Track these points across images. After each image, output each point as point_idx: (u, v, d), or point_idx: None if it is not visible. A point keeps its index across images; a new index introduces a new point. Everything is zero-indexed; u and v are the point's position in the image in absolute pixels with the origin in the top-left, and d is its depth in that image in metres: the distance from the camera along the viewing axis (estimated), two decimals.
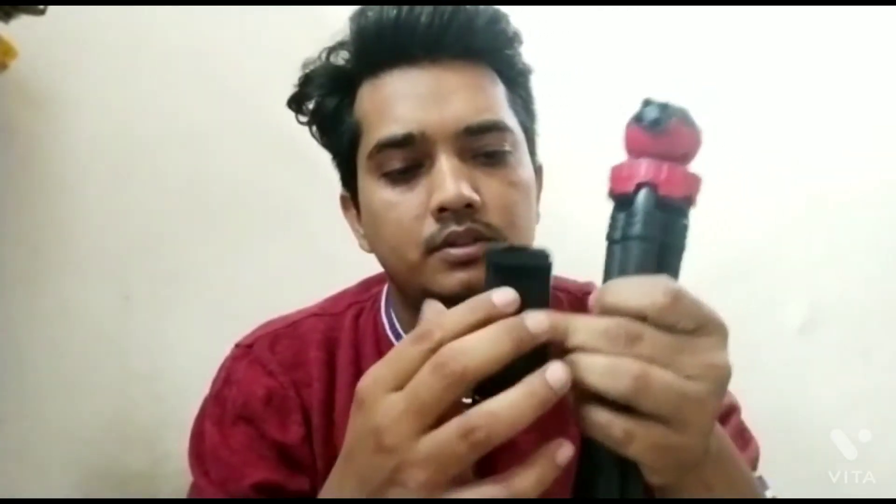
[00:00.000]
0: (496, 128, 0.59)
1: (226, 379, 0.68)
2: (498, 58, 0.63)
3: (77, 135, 1.18)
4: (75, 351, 1.16)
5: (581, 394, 0.38)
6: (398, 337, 0.68)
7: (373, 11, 0.60)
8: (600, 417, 0.37)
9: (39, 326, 1.15)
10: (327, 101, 0.65)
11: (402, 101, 0.59)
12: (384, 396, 0.37)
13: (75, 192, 1.18)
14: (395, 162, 0.58)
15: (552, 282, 0.78)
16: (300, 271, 1.24)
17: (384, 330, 0.69)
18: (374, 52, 0.60)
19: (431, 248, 0.57)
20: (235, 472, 0.62)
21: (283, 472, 0.63)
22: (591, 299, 0.40)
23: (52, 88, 1.16)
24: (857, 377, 1.34)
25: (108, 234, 1.19)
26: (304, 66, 0.67)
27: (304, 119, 0.68)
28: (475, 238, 0.56)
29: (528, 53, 0.67)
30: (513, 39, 0.64)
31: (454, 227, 0.56)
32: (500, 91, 0.62)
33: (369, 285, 0.76)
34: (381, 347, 0.67)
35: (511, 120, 0.62)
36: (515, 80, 0.65)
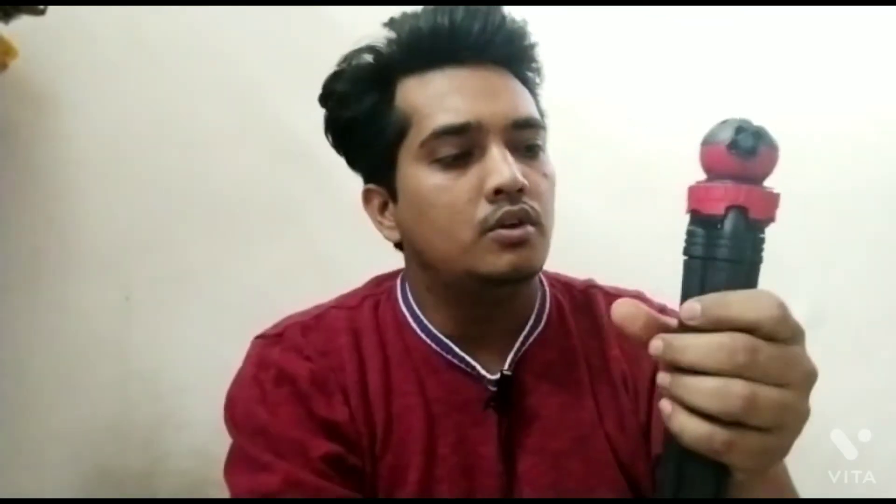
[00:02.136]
0: (536, 124, 0.66)
1: (259, 364, 0.68)
2: (527, 66, 0.70)
3: (77, 135, 1.18)
4: (75, 351, 1.16)
5: (679, 405, 0.39)
6: (420, 324, 0.71)
7: (426, 17, 0.66)
8: (702, 430, 0.38)
9: (39, 326, 1.15)
10: (364, 99, 0.68)
11: (456, 94, 0.64)
12: None
13: (75, 192, 1.18)
14: (450, 148, 0.63)
15: (553, 274, 0.80)
16: (299, 272, 1.24)
17: (406, 318, 0.72)
18: (425, 53, 0.66)
19: (485, 228, 0.61)
20: (297, 444, 0.63)
21: (341, 446, 0.64)
22: (687, 311, 0.40)
23: (52, 88, 1.16)
24: (857, 377, 1.34)
25: (108, 234, 1.19)
26: (338, 65, 0.71)
27: (336, 114, 0.71)
28: (522, 220, 0.62)
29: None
30: (536, 53, 0.71)
31: (508, 207, 0.61)
32: (529, 94, 0.69)
33: (380, 281, 0.78)
34: (405, 335, 0.71)
35: (541, 118, 0.69)
36: (534, 90, 0.72)
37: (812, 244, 1.38)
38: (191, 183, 1.23)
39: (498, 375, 0.67)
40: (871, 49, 1.41)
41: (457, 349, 0.69)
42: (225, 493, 0.67)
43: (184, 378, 1.18)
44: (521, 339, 0.70)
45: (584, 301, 0.76)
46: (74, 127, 1.18)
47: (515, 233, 0.61)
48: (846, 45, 1.41)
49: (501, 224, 0.61)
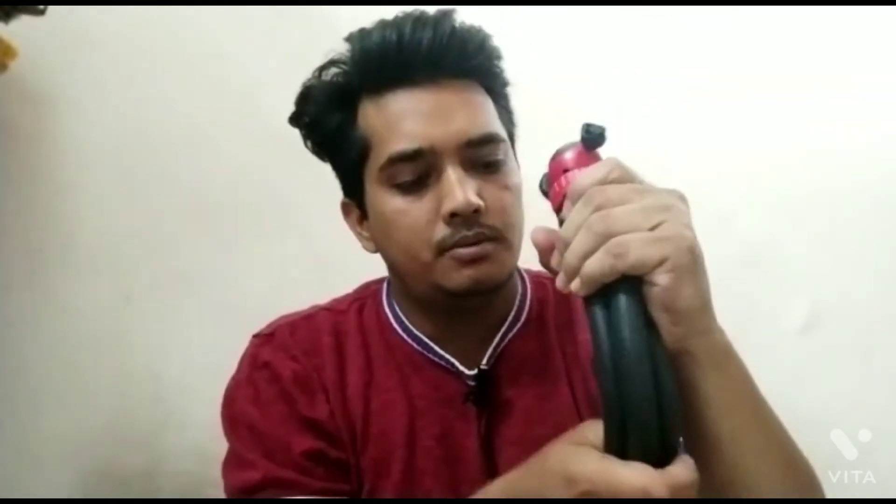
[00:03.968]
0: (493, 139, 0.67)
1: (253, 364, 0.72)
2: (487, 75, 0.70)
3: (77, 135, 1.18)
4: (75, 351, 1.16)
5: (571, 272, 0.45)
6: (402, 326, 0.74)
7: (375, 34, 0.66)
8: (597, 256, 0.43)
9: (40, 326, 1.15)
10: (330, 118, 0.70)
11: (409, 118, 0.65)
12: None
13: (75, 193, 1.18)
14: (406, 174, 0.65)
15: (537, 271, 0.82)
16: (300, 272, 1.24)
17: (388, 320, 0.75)
18: (377, 73, 0.66)
19: (443, 248, 0.64)
20: (281, 443, 0.66)
21: (324, 442, 0.68)
22: (564, 210, 0.47)
23: (52, 88, 1.16)
24: (857, 377, 1.34)
25: (108, 234, 1.19)
26: (303, 85, 0.72)
27: (307, 135, 0.73)
28: (480, 239, 0.64)
29: (523, 58, 0.73)
30: (497, 56, 0.71)
31: (464, 232, 0.63)
32: (490, 105, 0.69)
33: (368, 285, 0.82)
34: (387, 336, 0.74)
35: (501, 131, 0.69)
36: (500, 94, 0.72)
37: (812, 245, 1.38)
38: (191, 183, 1.23)
39: (476, 371, 0.70)
40: (872, 49, 1.41)
41: (437, 348, 0.72)
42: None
43: (184, 378, 1.18)
44: (499, 335, 0.73)
45: (563, 293, 0.78)
46: (74, 127, 1.18)
47: (472, 250, 0.64)
48: (846, 45, 1.41)
49: (459, 244, 0.64)
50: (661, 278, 0.43)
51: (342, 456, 0.68)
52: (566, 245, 0.45)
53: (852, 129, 1.40)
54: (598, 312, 0.44)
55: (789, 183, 1.38)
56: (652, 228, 0.43)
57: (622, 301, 0.43)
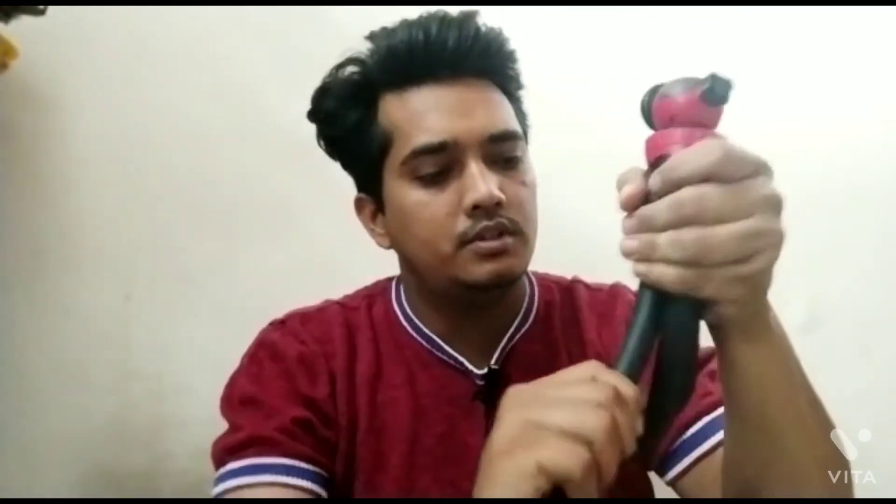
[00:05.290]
0: (512, 136, 0.69)
1: (260, 344, 0.75)
2: (505, 76, 0.72)
3: (77, 135, 1.18)
4: (76, 351, 1.16)
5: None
6: (411, 323, 0.75)
7: (401, 32, 0.68)
8: (674, 273, 0.42)
9: (40, 326, 1.15)
10: (350, 113, 0.71)
11: (433, 113, 0.67)
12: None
13: (76, 192, 1.18)
14: (429, 167, 0.66)
15: (543, 274, 0.82)
16: (300, 272, 1.24)
17: (398, 318, 0.76)
18: (403, 69, 0.68)
19: (464, 241, 0.65)
20: (274, 410, 0.68)
21: (316, 418, 0.69)
22: (652, 183, 0.43)
23: (52, 88, 1.16)
24: (857, 377, 1.34)
25: (109, 234, 1.19)
26: (322, 81, 0.73)
27: (325, 130, 0.74)
28: (501, 232, 0.65)
29: (522, 58, 0.74)
30: (514, 59, 0.73)
31: (486, 222, 0.64)
32: (507, 104, 0.71)
33: (379, 283, 0.83)
34: (396, 333, 0.75)
35: (519, 129, 0.71)
36: (515, 95, 0.74)
37: (812, 244, 1.38)
38: (191, 183, 1.23)
39: (485, 370, 0.71)
40: (873, 49, 1.41)
41: (446, 346, 0.73)
42: None
43: (184, 378, 1.18)
44: (507, 335, 0.74)
45: (568, 295, 0.80)
46: (74, 127, 1.18)
47: (494, 244, 0.65)
48: (847, 45, 1.41)
49: (480, 237, 0.65)
50: (728, 310, 0.44)
51: (331, 437, 0.69)
52: (646, 225, 0.43)
53: (852, 128, 1.40)
54: (648, 298, 0.44)
55: (788, 182, 1.38)
56: (742, 259, 0.41)
57: (679, 312, 0.44)
